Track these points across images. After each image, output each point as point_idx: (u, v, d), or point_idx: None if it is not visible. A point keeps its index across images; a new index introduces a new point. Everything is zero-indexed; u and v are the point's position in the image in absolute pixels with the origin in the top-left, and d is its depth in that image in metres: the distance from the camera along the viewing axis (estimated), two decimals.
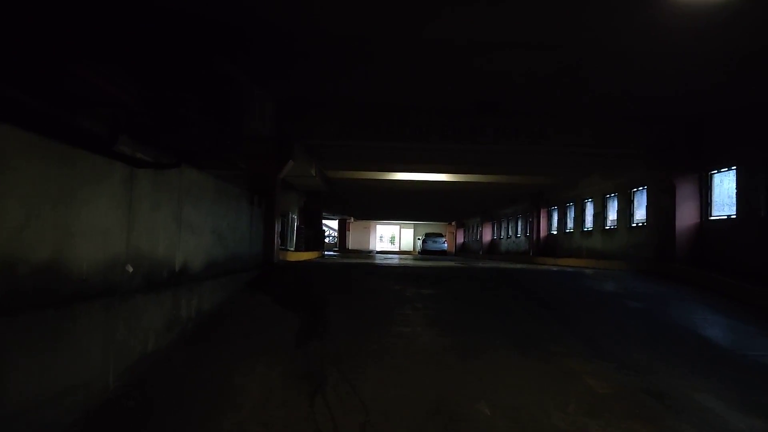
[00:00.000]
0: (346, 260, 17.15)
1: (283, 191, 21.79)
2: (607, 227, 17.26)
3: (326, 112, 11.93)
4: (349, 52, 8.53)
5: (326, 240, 51.63)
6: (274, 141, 11.49)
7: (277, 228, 12.24)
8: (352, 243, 46.67)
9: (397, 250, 47.95)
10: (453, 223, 45.82)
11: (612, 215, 17.05)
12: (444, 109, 11.80)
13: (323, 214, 26.64)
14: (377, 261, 18.30)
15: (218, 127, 8.07)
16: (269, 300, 7.40)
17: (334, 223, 45.68)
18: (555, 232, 22.42)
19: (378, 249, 47.51)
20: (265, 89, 10.71)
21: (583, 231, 19.18)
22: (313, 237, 21.12)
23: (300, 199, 21.81)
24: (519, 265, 16.16)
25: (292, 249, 14.38)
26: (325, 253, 25.39)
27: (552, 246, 22.13)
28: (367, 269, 12.48)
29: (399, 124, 12.01)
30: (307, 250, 18.67)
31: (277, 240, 11.63)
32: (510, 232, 29.38)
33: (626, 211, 15.65)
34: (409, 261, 19.72)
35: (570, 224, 20.64)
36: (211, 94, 7.87)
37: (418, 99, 11.33)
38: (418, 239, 45.68)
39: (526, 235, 25.86)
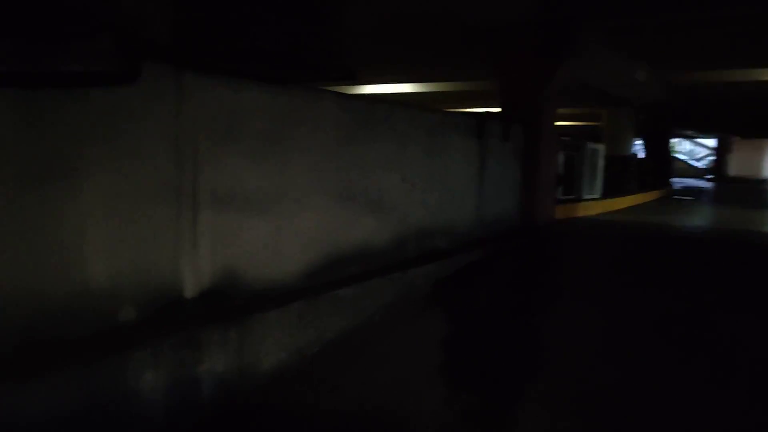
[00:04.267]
0: (699, 215, 11.67)
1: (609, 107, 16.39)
2: None
3: None
4: None
5: (697, 164, 42.18)
6: (531, 28, 7.34)
7: (556, 169, 8.23)
8: (736, 168, 36.41)
9: None
10: None
11: None
12: None
13: (671, 135, 20.05)
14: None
15: None
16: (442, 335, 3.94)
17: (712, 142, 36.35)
18: None
19: None
20: None
21: None
22: (651, 170, 15.66)
23: (626, 118, 16.38)
24: None
25: (595, 196, 10.02)
26: (676, 189, 19.16)
27: None
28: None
29: None
30: (641, 190, 13.65)
31: (550, 189, 7.73)
32: None
33: None
34: None
35: None
36: None
37: None
38: None
39: None
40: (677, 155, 44.70)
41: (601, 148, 10.14)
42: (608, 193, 11.32)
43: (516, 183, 7.30)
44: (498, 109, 7.67)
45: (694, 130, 30.31)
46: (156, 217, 2.62)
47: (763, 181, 32.45)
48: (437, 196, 5.49)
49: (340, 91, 4.35)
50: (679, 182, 27.07)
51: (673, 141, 44.76)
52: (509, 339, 3.65)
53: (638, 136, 17.29)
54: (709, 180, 31.40)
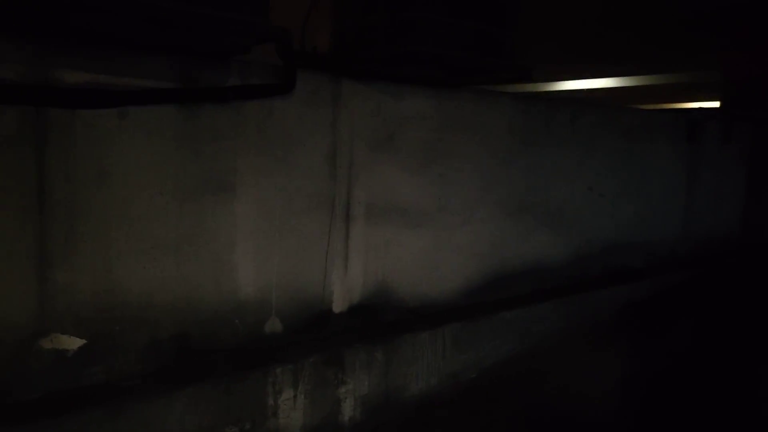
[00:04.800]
0: None
1: None
2: None
3: None
4: None
5: None
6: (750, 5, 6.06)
7: None
8: None
9: None
10: None
11: None
12: None
13: None
14: None
15: None
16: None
17: None
18: None
19: None
20: None
21: None
22: None
23: None
24: None
25: None
26: None
27: None
28: None
29: None
30: None
31: None
32: None
33: None
34: None
35: None
36: None
37: None
38: None
39: None
40: None
41: None
42: None
43: (739, 193, 6.12)
44: (715, 104, 6.52)
45: None
46: (307, 229, 2.58)
47: None
48: (631, 208, 4.80)
49: (519, 91, 3.99)
50: None
51: None
52: (705, 389, 2.99)
53: None
54: None
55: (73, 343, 1.99)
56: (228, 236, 2.33)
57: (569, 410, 2.69)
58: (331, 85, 2.62)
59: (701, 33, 7.16)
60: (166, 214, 2.19)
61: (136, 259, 2.11)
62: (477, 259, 3.44)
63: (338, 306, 2.69)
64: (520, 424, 2.62)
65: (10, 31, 1.76)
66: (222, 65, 2.26)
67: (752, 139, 6.11)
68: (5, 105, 1.77)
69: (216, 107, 2.25)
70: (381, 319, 2.83)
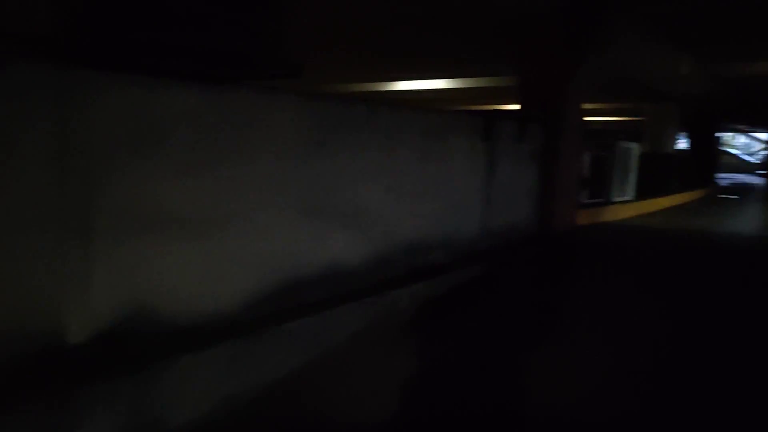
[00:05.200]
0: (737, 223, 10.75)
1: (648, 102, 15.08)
2: None
3: None
4: None
5: (750, 159, 39.71)
6: (554, 15, 6.61)
7: (579, 171, 7.49)
8: None
9: None
10: None
11: None
12: None
13: (719, 130, 18.62)
14: None
15: None
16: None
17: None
18: None
19: None
20: None
21: None
22: (697, 168, 14.59)
23: (670, 113, 15.29)
24: None
25: (627, 198, 9.20)
26: (723, 186, 17.87)
27: None
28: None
29: None
30: (683, 189, 12.68)
31: (572, 193, 7.00)
32: None
33: None
34: None
35: None
36: None
37: None
38: None
39: None
40: (730, 150, 42.49)
41: (634, 146, 9.29)
42: (646, 193, 10.45)
43: (532, 188, 6.63)
44: (515, 107, 7.00)
45: (744, 124, 28.41)
46: (29, 246, 2.16)
47: None
48: (434, 205, 4.91)
49: (317, 92, 3.83)
50: (729, 178, 25.48)
51: (728, 135, 42.59)
52: (489, 382, 3.07)
53: (683, 131, 16.14)
54: (760, 175, 29.55)
55: None
56: None
57: (341, 422, 2.58)
58: (55, 76, 2.21)
59: (505, 41, 7.63)
60: None
61: None
62: (265, 267, 3.22)
63: (76, 336, 2.30)
64: None
65: None
66: None
67: (544, 139, 6.65)
68: None
69: None
70: (136, 346, 2.48)
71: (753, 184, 21.73)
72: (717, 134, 23.44)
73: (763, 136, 35.25)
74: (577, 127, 7.05)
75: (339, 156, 3.88)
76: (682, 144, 17.02)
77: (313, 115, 3.66)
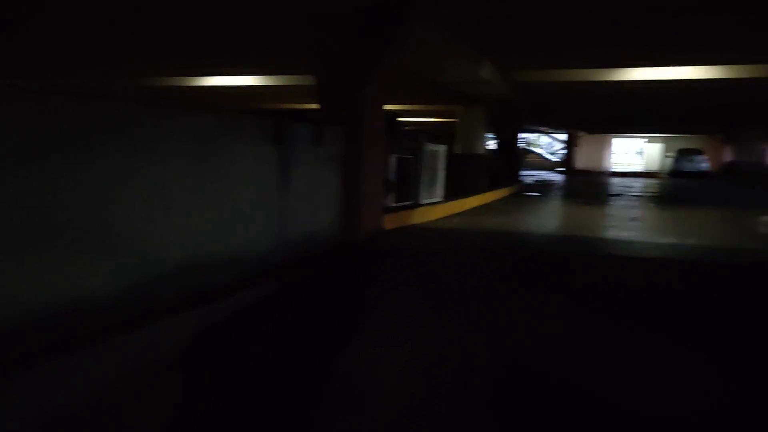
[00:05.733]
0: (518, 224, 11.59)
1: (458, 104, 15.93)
2: None
3: None
4: None
5: (552, 158, 44.60)
6: (352, 13, 6.40)
7: (385, 175, 7.40)
8: (582, 161, 39.00)
9: (639, 171, 38.65)
10: (717, 136, 34.73)
11: None
12: None
13: (523, 131, 20.45)
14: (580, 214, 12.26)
15: None
16: None
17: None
18: None
19: (615, 169, 38.99)
20: None
21: None
22: (504, 167, 15.66)
23: (480, 115, 16.33)
24: None
25: (436, 199, 9.40)
26: (528, 184, 19.59)
27: None
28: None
29: None
30: (491, 188, 13.45)
31: (377, 197, 6.85)
32: None
33: None
34: (651, 212, 13.20)
35: None
36: None
37: None
38: (668, 156, 36.11)
39: None
40: (535, 149, 47.32)
41: (442, 148, 9.53)
42: (456, 194, 10.84)
43: (335, 194, 6.34)
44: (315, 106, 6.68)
45: (546, 126, 31.67)
46: None
47: (602, 173, 34.88)
48: (213, 218, 4.35)
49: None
50: (534, 176, 28.11)
51: (534, 136, 47.35)
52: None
53: (491, 132, 17.28)
54: (559, 173, 33.13)
55: None
56: None
57: None
58: None
59: (310, 37, 7.26)
60: None
61: None
62: None
63: None
64: None
65: None
66: None
67: (345, 142, 6.41)
68: None
69: None
70: None
71: (554, 180, 24.15)
72: (522, 135, 25.63)
73: (562, 136, 39.53)
74: (379, 129, 6.92)
75: (78, 166, 3.17)
76: (493, 145, 18.28)
77: (36, 116, 2.92)
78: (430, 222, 8.56)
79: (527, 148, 46.20)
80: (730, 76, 11.78)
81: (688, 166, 30.63)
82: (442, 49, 9.00)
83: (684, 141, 37.37)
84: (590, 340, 3.81)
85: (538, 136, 47.85)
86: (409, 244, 6.94)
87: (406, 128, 14.23)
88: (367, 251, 6.38)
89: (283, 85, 13.90)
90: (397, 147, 8.09)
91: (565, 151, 38.32)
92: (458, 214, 9.84)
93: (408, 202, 8.44)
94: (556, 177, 28.50)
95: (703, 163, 30.64)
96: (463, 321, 4.19)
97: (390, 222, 7.49)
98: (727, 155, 32.47)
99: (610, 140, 40.32)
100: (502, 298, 4.83)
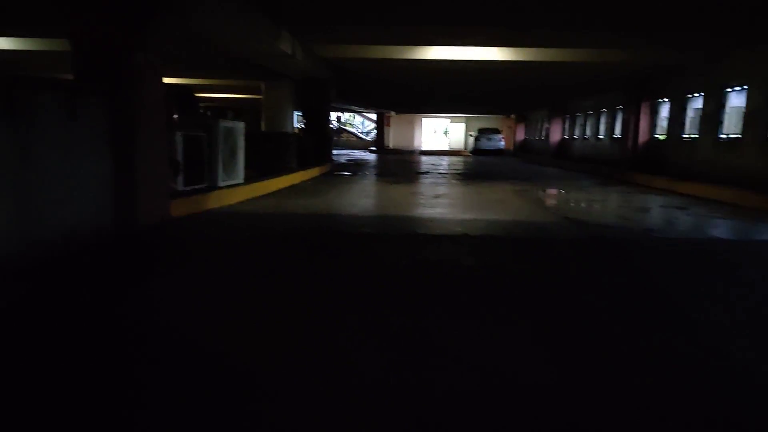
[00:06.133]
0: (326, 203, 11.34)
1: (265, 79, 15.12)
2: None
3: None
4: None
5: (366, 137, 45.62)
6: None
7: (168, 154, 6.47)
8: (393, 140, 40.46)
9: (446, 149, 41.27)
10: (512, 116, 38.42)
11: None
12: None
13: (333, 110, 20.33)
14: (387, 185, 12.35)
15: None
16: None
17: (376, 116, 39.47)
18: (663, 137, 15.64)
19: (424, 147, 41.14)
20: None
21: (719, 139, 12.45)
22: (312, 146, 15.26)
23: (287, 91, 15.75)
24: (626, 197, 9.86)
25: (236, 181, 8.63)
26: (340, 163, 19.54)
27: (655, 158, 15.46)
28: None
29: None
30: (301, 168, 12.93)
31: (159, 180, 5.91)
32: (588, 132, 22.52)
33: None
34: (441, 187, 13.69)
35: (691, 127, 14.00)
36: None
37: None
38: (470, 135, 39.03)
39: (613, 138, 19.16)
40: (349, 129, 48.03)
41: (240, 125, 8.75)
42: (262, 175, 10.13)
43: (103, 177, 5.31)
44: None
45: (356, 104, 32.05)
46: None
47: (412, 152, 36.59)
48: None
49: None
50: (346, 155, 28.26)
51: (347, 115, 47.90)
52: None
53: (300, 110, 16.75)
54: (372, 151, 33.87)
55: None
56: None
57: None
58: None
59: None
60: None
61: None
62: None
63: None
64: None
65: None
66: None
67: (111, 116, 5.38)
68: None
69: None
70: None
71: (365, 159, 24.45)
72: (335, 114, 25.45)
73: (374, 116, 40.50)
74: (158, 102, 5.97)
75: None
76: (303, 123, 17.77)
77: None
78: (230, 206, 7.79)
79: (342, 127, 46.76)
80: (521, 59, 12.66)
81: (487, 144, 33.28)
82: (231, 17, 8.16)
83: (484, 121, 40.69)
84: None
85: (353, 116, 48.66)
86: (201, 233, 6.14)
87: (210, 106, 13.04)
88: (148, 244, 5.45)
89: (44, 51, 11.86)
90: (187, 123, 7.16)
91: (377, 130, 39.36)
92: (263, 196, 9.17)
93: (203, 185, 7.57)
94: (369, 156, 29.02)
95: (501, 142, 33.54)
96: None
97: (180, 208, 6.60)
98: (520, 134, 35.95)
99: (420, 120, 42.38)
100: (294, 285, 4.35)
